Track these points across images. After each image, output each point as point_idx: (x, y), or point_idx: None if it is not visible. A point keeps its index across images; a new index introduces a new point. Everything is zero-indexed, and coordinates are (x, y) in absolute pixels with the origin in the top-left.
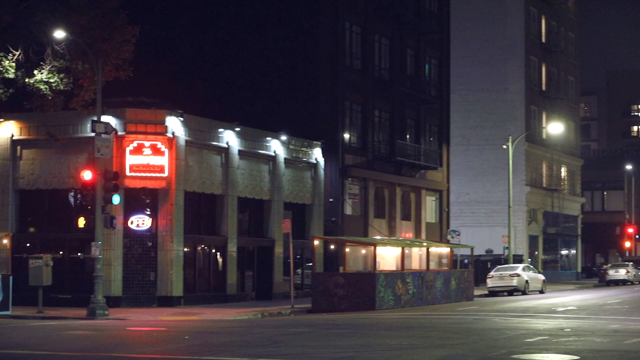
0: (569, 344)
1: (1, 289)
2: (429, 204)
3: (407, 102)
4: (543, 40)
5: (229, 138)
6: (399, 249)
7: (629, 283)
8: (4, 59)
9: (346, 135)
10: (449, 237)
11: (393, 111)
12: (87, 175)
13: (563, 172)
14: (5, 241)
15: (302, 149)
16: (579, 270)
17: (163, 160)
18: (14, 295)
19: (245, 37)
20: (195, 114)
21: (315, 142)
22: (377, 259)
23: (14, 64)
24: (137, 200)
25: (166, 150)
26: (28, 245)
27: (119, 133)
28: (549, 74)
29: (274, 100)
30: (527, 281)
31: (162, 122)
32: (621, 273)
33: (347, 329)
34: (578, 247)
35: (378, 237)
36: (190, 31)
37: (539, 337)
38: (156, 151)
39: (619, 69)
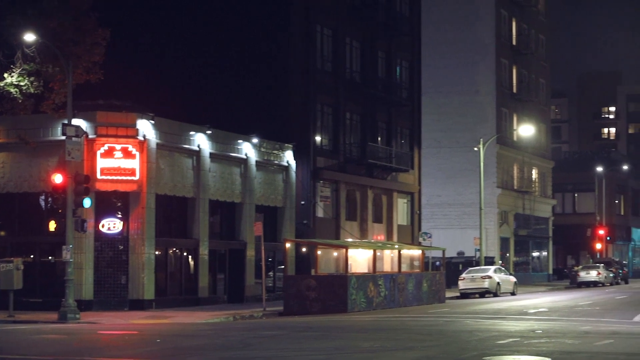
0: (540, 346)
1: None
2: (401, 206)
3: (378, 105)
4: (514, 42)
5: (200, 141)
6: (371, 252)
7: (600, 285)
8: None
9: (317, 138)
10: (420, 239)
11: (364, 114)
12: (57, 178)
13: (534, 174)
14: None
15: (274, 151)
16: (550, 272)
17: (134, 164)
18: None
19: (216, 40)
20: (166, 117)
21: (286, 144)
22: (349, 262)
23: None
24: (108, 203)
25: (137, 153)
26: None
27: (90, 136)
28: (519, 76)
29: (246, 103)
30: (498, 283)
31: (133, 125)
32: (592, 275)
33: (320, 332)
34: (549, 249)
35: (350, 240)
36: (162, 34)
37: (511, 339)
38: (127, 154)
39: (589, 71)
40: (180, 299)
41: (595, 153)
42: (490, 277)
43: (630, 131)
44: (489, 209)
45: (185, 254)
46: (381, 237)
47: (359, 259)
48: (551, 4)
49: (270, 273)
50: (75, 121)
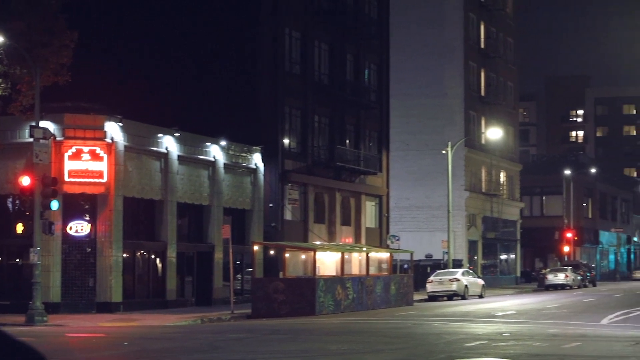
0: (507, 349)
1: None
2: (369, 209)
3: (346, 108)
4: (482, 45)
5: (169, 143)
6: (339, 254)
7: (568, 287)
8: None
9: (286, 141)
10: (388, 242)
11: (333, 116)
12: (25, 180)
13: (502, 177)
14: None
15: (242, 154)
16: (518, 274)
17: (102, 166)
18: None
19: (185, 43)
20: (134, 120)
21: (255, 147)
22: (317, 264)
23: None
24: (75, 206)
25: (105, 156)
26: None
27: (58, 138)
28: (488, 79)
29: (214, 106)
30: (466, 286)
31: (101, 128)
32: (560, 277)
33: (287, 334)
34: (517, 252)
35: (318, 243)
36: (130, 36)
37: (478, 342)
38: (95, 157)
39: (557, 74)
40: (148, 301)
41: (563, 156)
42: (458, 280)
43: (598, 134)
44: (457, 212)
45: (153, 256)
46: (349, 240)
47: (327, 262)
48: (519, 7)
49: (239, 276)
50: (43, 123)
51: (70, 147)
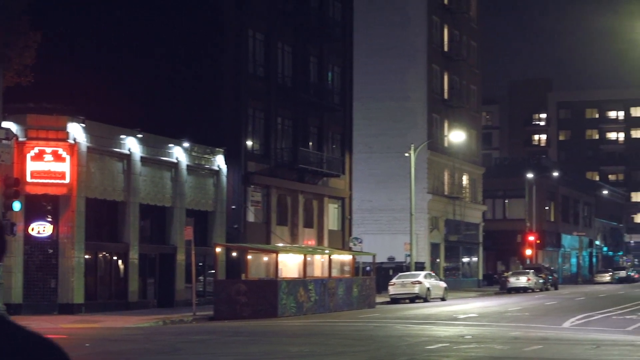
0: (469, 351)
1: None
2: (332, 211)
3: (310, 110)
4: (445, 49)
5: (131, 144)
6: (301, 256)
7: (530, 290)
8: None
9: (249, 143)
10: (351, 244)
11: (296, 118)
12: None
13: (465, 180)
14: None
15: (205, 155)
16: (481, 277)
17: (64, 167)
18: None
19: (148, 43)
20: (97, 120)
21: (217, 149)
22: (279, 266)
23: None
24: (38, 206)
25: (67, 157)
26: None
27: (20, 139)
28: (451, 82)
29: (177, 107)
30: (428, 288)
31: (64, 129)
32: (522, 280)
33: (249, 337)
34: (479, 255)
35: (280, 245)
36: (94, 37)
37: (440, 344)
38: (57, 157)
39: (520, 78)
40: (110, 303)
41: (525, 159)
42: (420, 283)
43: (560, 138)
44: (419, 215)
45: (115, 258)
46: (312, 242)
47: (290, 264)
48: (483, 11)
49: (201, 277)
50: (6, 124)
51: (33, 147)
